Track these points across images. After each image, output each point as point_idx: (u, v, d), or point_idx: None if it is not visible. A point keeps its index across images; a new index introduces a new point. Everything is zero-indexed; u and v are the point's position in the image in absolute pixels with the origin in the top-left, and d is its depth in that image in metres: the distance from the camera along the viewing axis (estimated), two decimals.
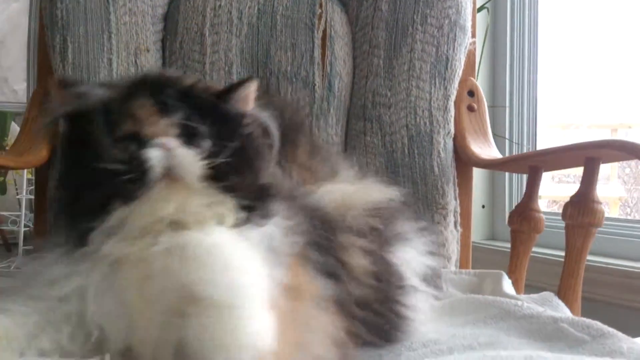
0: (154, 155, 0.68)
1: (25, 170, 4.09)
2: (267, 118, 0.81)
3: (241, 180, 0.73)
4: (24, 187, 4.12)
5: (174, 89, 0.75)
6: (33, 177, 4.20)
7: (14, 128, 4.61)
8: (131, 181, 0.68)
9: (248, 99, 0.81)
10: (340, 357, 0.77)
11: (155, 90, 0.73)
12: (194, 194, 0.71)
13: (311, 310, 0.75)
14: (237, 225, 0.72)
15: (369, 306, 0.87)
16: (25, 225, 4.13)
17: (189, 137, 0.71)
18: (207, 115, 0.74)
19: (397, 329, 0.94)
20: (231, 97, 0.79)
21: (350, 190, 1.02)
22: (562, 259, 1.16)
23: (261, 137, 0.80)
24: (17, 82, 5.22)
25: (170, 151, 0.69)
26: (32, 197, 4.22)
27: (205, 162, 0.70)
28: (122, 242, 0.70)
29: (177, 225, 0.70)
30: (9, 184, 4.52)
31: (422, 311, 1.00)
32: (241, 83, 0.81)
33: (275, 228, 0.74)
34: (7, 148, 3.90)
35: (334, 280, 0.81)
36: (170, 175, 0.69)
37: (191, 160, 0.70)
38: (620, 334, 0.89)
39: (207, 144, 0.72)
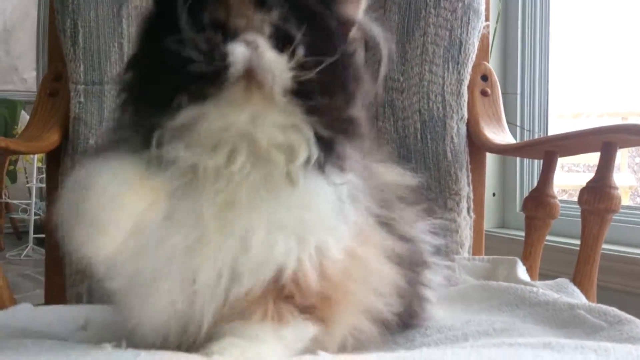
0: (238, 51, 0.60)
1: (35, 159, 4.11)
2: (379, 32, 0.70)
3: (328, 104, 0.63)
4: (34, 175, 4.14)
5: None
6: (43, 166, 4.23)
7: (24, 116, 4.62)
8: (206, 76, 0.60)
9: (359, 4, 0.70)
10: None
11: None
12: (272, 107, 0.62)
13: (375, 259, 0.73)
14: (306, 168, 0.64)
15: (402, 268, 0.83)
16: (35, 214, 4.15)
17: (282, 40, 0.62)
18: (308, 18, 0.64)
19: (416, 312, 0.93)
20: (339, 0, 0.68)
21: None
22: (574, 247, 1.15)
23: (364, 55, 0.70)
24: (27, 70, 5.25)
25: (257, 50, 0.60)
26: (42, 185, 4.25)
27: (294, 73, 0.61)
28: (190, 149, 0.63)
29: (248, 139, 0.63)
30: (19, 172, 4.55)
31: (436, 286, 0.99)
32: None
33: (346, 189, 0.67)
34: (17, 136, 3.92)
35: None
36: (252, 78, 0.60)
37: (279, 67, 0.61)
38: (637, 321, 0.87)
39: (300, 52, 0.62)
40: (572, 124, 2.71)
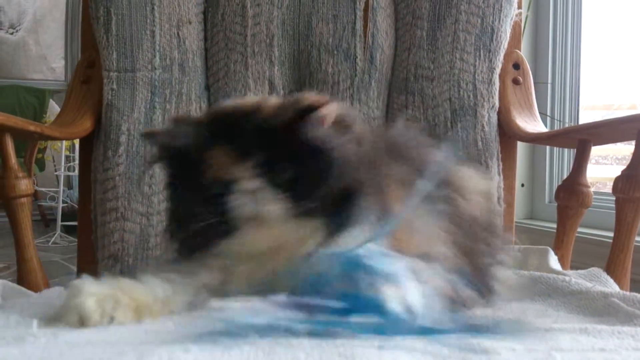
0: (238, 203, 0.71)
1: (63, 147, 4.16)
2: (341, 145, 0.76)
3: (319, 204, 0.72)
4: (62, 164, 4.19)
5: (249, 129, 0.74)
6: (71, 154, 4.28)
7: (52, 105, 4.68)
8: (220, 225, 0.71)
9: (324, 120, 0.76)
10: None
11: (231, 133, 0.74)
12: (281, 228, 0.72)
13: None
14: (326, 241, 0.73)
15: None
16: (63, 202, 4.21)
17: (269, 173, 0.72)
18: (283, 146, 0.73)
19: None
20: (302, 125, 0.75)
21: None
22: (604, 239, 1.14)
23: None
24: (56, 60, 5.31)
25: (253, 195, 0.71)
26: (70, 173, 4.30)
27: (288, 202, 0.71)
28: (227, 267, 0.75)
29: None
30: (48, 160, 4.61)
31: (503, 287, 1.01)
32: (313, 108, 0.75)
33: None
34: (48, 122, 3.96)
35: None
36: (257, 217, 0.71)
37: (273, 203, 0.71)
38: None
39: (287, 175, 0.72)
40: (603, 115, 2.67)
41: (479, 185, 0.99)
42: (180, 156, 0.76)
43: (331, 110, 0.76)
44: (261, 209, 0.71)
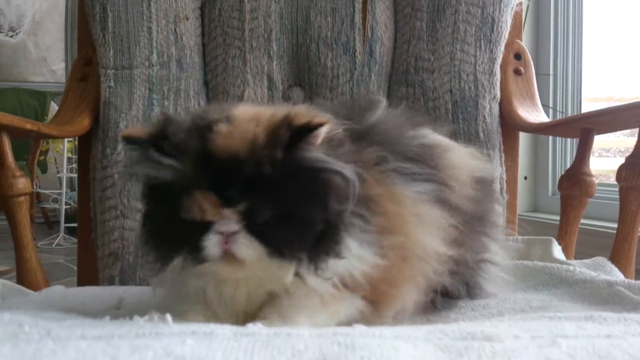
0: (210, 243, 0.68)
1: (65, 149, 4.16)
2: (338, 165, 0.70)
3: (298, 245, 0.70)
4: (65, 165, 4.19)
5: (239, 178, 0.68)
6: (73, 156, 4.28)
7: (54, 107, 4.68)
8: (191, 256, 0.70)
9: (315, 143, 0.70)
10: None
11: (219, 181, 0.68)
12: (253, 268, 0.70)
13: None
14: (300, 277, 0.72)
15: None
16: (66, 203, 4.21)
17: (251, 216, 0.68)
18: (271, 180, 0.68)
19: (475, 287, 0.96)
20: (297, 149, 0.69)
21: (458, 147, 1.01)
22: (607, 230, 1.12)
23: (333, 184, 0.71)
24: (56, 62, 5.31)
25: (230, 236, 0.68)
26: (73, 175, 4.30)
27: (266, 246, 0.69)
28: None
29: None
30: (50, 162, 4.61)
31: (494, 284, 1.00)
32: (307, 130, 0.69)
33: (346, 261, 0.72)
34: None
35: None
36: (231, 256, 0.69)
37: (250, 247, 0.69)
38: None
39: (267, 216, 0.68)
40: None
41: (471, 169, 0.97)
42: (158, 187, 0.72)
43: (325, 129, 0.70)
44: (234, 252, 0.68)
